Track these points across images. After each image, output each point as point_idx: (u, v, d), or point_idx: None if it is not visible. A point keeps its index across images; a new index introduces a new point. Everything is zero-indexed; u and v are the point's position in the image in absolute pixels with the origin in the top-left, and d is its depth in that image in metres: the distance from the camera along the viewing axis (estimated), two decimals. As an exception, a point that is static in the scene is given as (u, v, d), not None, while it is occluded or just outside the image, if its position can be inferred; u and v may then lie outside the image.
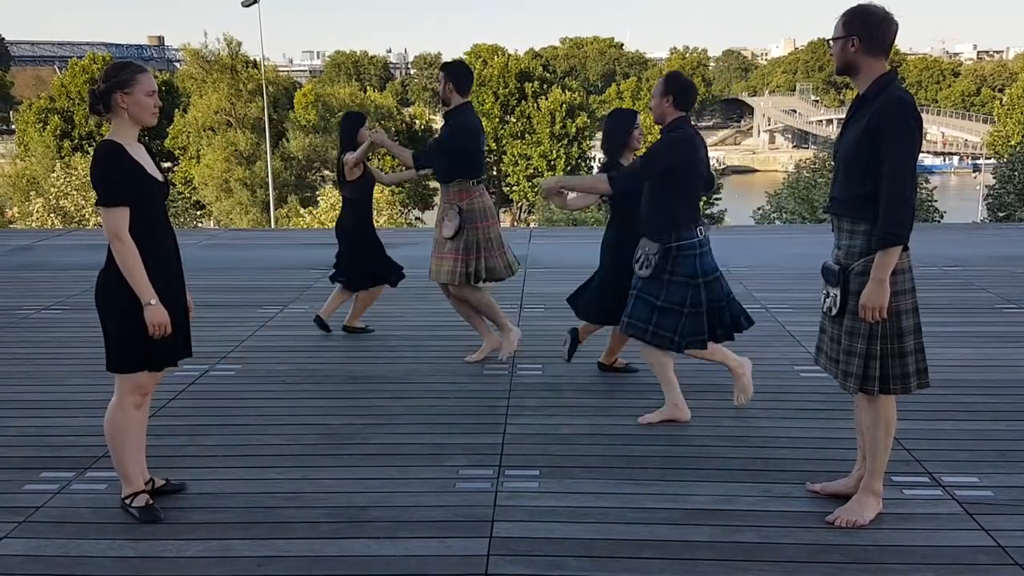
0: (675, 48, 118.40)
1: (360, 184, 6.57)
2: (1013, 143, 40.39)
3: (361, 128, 6.58)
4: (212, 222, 42.30)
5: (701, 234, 4.77)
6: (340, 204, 6.81)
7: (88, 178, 32.40)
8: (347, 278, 6.67)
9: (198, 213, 42.80)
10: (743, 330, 5.01)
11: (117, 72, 3.59)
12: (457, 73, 5.83)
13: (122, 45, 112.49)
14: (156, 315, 3.57)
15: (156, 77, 54.50)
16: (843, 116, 3.78)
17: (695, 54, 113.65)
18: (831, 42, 3.63)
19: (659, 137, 4.82)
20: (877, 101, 3.49)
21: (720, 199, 44.61)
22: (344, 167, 6.48)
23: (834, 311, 3.66)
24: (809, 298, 7.28)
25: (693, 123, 4.93)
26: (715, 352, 4.98)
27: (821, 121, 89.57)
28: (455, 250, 5.90)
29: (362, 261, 6.63)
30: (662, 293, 4.72)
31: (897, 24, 3.54)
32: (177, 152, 46.08)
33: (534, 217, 41.24)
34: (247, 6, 37.73)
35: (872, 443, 3.71)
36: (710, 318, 4.81)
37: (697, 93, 5.06)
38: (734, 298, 5.00)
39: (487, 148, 52.51)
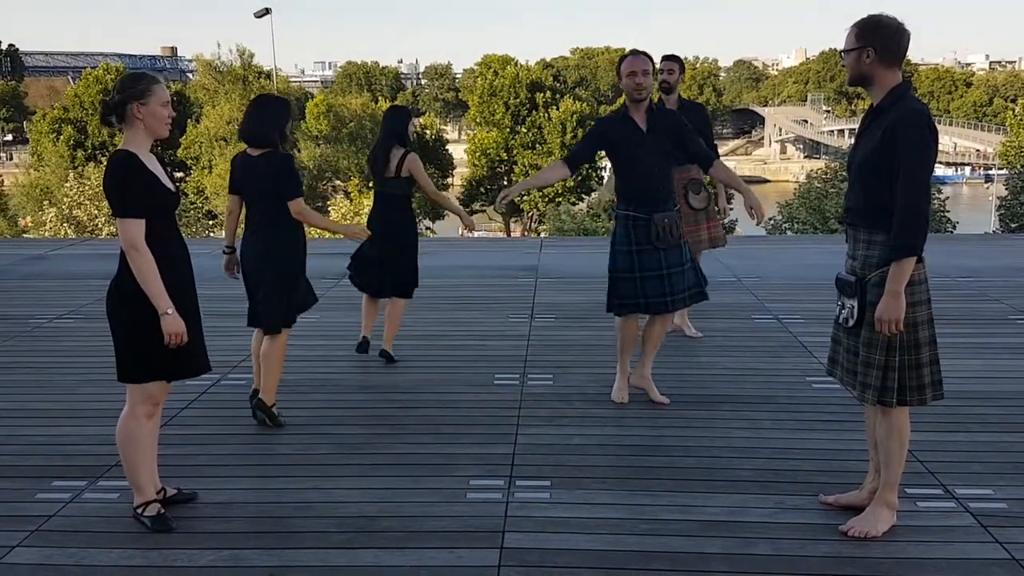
0: (686, 58, 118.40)
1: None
2: (1026, 153, 40.18)
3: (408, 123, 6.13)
4: (224, 232, 42.46)
5: None
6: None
7: (101, 188, 32.39)
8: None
9: (210, 223, 42.96)
10: None
11: (133, 83, 3.61)
12: None
13: (135, 56, 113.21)
14: (173, 325, 3.58)
15: (169, 88, 54.51)
16: (855, 126, 3.78)
17: (706, 64, 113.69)
18: (844, 54, 3.60)
19: None
20: (892, 112, 3.47)
21: (732, 209, 44.53)
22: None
23: (851, 323, 3.63)
24: (821, 308, 7.25)
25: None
26: None
27: (832, 131, 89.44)
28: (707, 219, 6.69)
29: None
30: None
31: (909, 34, 3.53)
32: (189, 162, 46.27)
33: (544, 227, 41.23)
34: (260, 17, 37.96)
35: (886, 455, 3.69)
36: None
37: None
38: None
39: (500, 159, 52.02)
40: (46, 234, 32.35)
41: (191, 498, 4.08)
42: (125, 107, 3.58)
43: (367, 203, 25.66)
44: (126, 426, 3.77)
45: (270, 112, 4.97)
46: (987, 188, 61.45)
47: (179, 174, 45.61)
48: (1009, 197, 32.98)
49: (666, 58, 6.64)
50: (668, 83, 6.57)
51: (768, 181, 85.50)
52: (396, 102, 64.56)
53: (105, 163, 3.61)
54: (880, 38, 3.49)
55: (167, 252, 3.66)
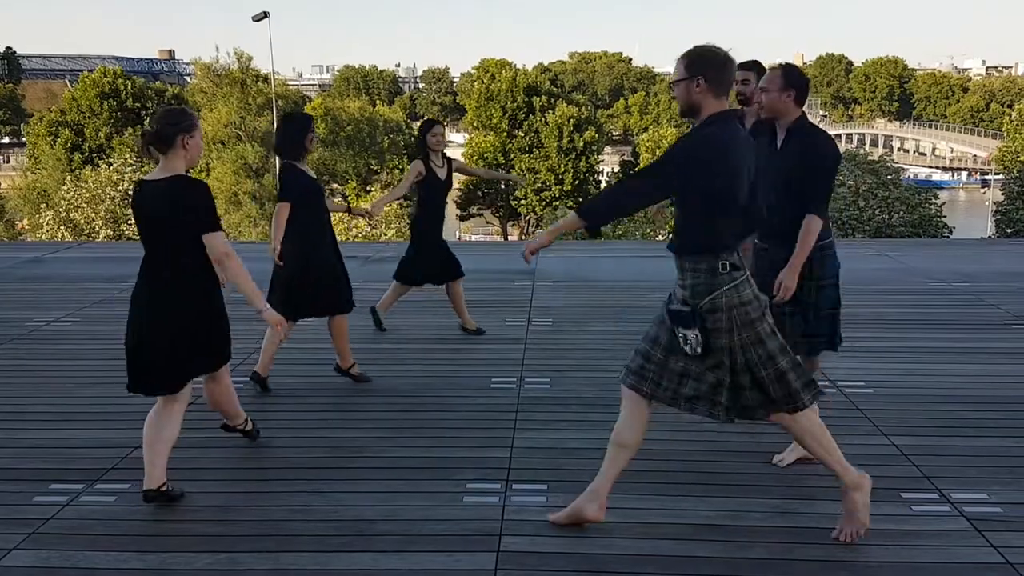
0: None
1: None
2: (1022, 159, 40.25)
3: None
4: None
5: None
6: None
7: (97, 191, 32.10)
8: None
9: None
10: None
11: (182, 117, 4.05)
12: None
13: (133, 59, 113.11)
14: (275, 316, 4.32)
15: (167, 91, 55.00)
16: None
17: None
18: (673, 85, 3.62)
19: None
20: None
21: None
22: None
23: (699, 350, 3.56)
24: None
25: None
26: None
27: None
28: None
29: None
30: None
31: (735, 63, 3.61)
32: (187, 165, 46.26)
33: (542, 230, 41.27)
34: (258, 20, 37.95)
35: (813, 453, 3.73)
36: None
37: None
38: None
39: (497, 162, 51.64)
40: (43, 237, 32.30)
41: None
42: (175, 137, 3.99)
43: (365, 205, 25.70)
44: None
45: (279, 129, 5.90)
46: (983, 193, 61.60)
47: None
48: (1005, 202, 33.05)
49: (741, 66, 5.53)
50: (744, 95, 5.53)
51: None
52: (394, 106, 64.45)
53: (191, 186, 4.01)
54: (710, 67, 3.51)
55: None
